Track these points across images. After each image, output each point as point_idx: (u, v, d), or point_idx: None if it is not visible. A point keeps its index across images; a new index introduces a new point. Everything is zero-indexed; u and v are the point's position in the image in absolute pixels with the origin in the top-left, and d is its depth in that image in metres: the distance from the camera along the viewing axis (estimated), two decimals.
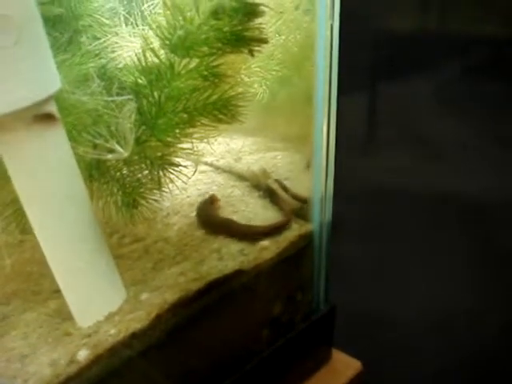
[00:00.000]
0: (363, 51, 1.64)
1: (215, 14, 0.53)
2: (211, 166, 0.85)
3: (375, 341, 1.31)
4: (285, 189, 0.78)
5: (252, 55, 0.59)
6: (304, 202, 0.74)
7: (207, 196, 0.74)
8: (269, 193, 0.77)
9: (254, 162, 0.85)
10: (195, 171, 0.65)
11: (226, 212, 0.71)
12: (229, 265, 0.62)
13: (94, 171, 0.55)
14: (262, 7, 0.56)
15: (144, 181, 0.58)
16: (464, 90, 1.69)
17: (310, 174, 0.69)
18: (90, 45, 0.59)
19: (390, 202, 1.65)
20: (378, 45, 1.68)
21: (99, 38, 0.61)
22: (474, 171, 1.60)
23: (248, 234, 0.68)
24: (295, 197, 0.76)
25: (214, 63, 0.56)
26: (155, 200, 0.60)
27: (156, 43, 0.56)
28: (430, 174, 1.65)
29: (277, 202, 0.75)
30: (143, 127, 0.55)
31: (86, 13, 0.62)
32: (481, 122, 1.63)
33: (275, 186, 0.78)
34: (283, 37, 0.75)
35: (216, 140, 0.85)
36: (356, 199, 1.55)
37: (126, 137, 0.52)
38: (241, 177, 0.81)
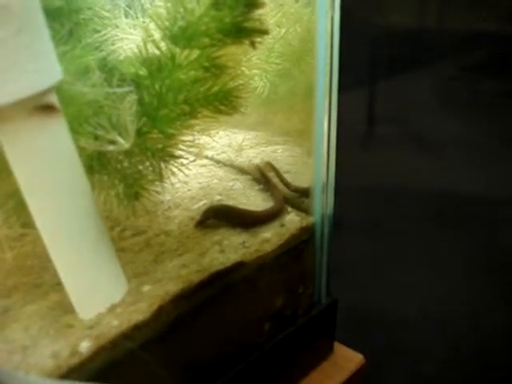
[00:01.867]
0: (362, 48, 1.64)
1: (216, 4, 0.53)
2: (212, 160, 0.85)
3: (375, 339, 1.32)
4: (286, 183, 0.78)
5: (254, 47, 0.59)
6: (305, 195, 0.74)
7: None
8: (264, 183, 0.77)
9: (254, 155, 0.85)
10: (194, 160, 0.65)
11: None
12: (230, 257, 0.62)
13: (95, 163, 0.55)
14: None
15: (145, 173, 0.58)
16: (463, 87, 1.69)
17: (312, 168, 0.69)
18: (91, 37, 0.59)
19: (389, 200, 1.65)
20: (377, 42, 1.68)
21: (99, 31, 0.61)
22: (474, 169, 1.60)
23: (243, 219, 0.68)
24: (297, 190, 0.76)
25: (215, 54, 0.56)
26: (156, 192, 0.60)
27: (157, 35, 0.56)
28: (430, 172, 1.65)
29: (272, 192, 0.75)
30: (144, 118, 0.55)
31: (86, 6, 0.62)
32: (480, 119, 1.63)
33: (275, 180, 0.78)
34: (283, 29, 0.75)
35: (217, 133, 0.85)
36: (355, 196, 1.55)
37: (127, 128, 0.52)
38: (242, 170, 0.81)
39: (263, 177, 0.78)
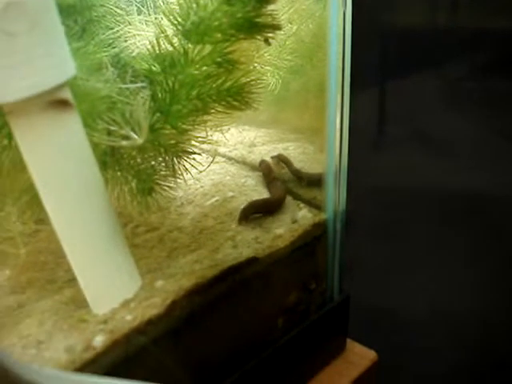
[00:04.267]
0: (372, 48, 1.64)
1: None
2: (224, 157, 0.85)
3: (384, 339, 1.31)
4: (299, 176, 0.78)
5: (268, 43, 0.59)
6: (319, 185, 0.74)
7: None
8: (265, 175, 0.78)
9: (266, 152, 0.85)
10: (212, 161, 0.65)
11: (240, 201, 0.72)
12: (243, 252, 0.62)
13: (109, 158, 0.55)
14: None
15: (158, 168, 0.58)
16: (474, 86, 1.68)
17: (324, 164, 0.69)
18: (104, 34, 0.60)
19: (400, 199, 1.65)
20: (388, 40, 1.67)
21: (112, 28, 0.61)
22: (485, 168, 1.59)
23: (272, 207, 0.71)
24: (311, 180, 0.76)
25: (228, 50, 0.56)
26: (169, 187, 0.60)
27: (169, 31, 0.56)
28: (440, 171, 1.64)
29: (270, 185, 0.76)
30: (157, 114, 0.55)
31: (98, 3, 0.62)
32: (491, 119, 1.62)
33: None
34: (295, 26, 0.75)
35: (229, 130, 0.85)
36: (364, 195, 1.54)
37: (141, 124, 0.52)
38: (253, 167, 0.81)
39: (266, 169, 0.79)
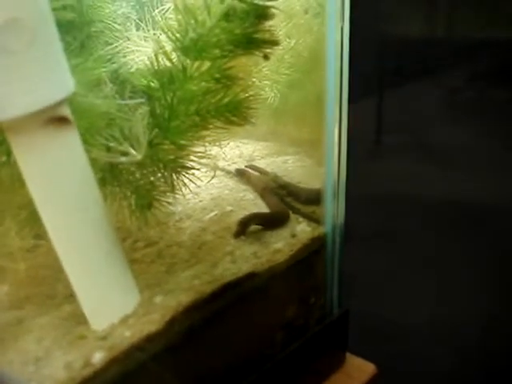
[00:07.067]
0: (370, 58, 1.64)
1: (226, 16, 0.53)
2: (223, 171, 0.85)
3: (385, 349, 1.31)
4: (295, 194, 0.78)
5: (267, 59, 0.59)
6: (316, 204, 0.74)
7: None
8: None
9: (265, 166, 0.85)
10: (213, 176, 0.65)
11: (239, 215, 0.71)
12: (242, 267, 0.61)
13: (108, 174, 0.55)
14: (273, 10, 0.57)
15: (157, 184, 0.58)
16: (472, 96, 1.68)
17: (323, 178, 0.69)
18: (103, 50, 0.60)
19: (398, 209, 1.65)
20: (385, 52, 1.68)
21: (111, 43, 0.61)
22: (483, 177, 1.60)
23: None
24: (308, 200, 0.76)
25: (226, 65, 0.56)
26: (168, 203, 0.60)
27: (168, 47, 0.56)
28: (438, 180, 1.64)
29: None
30: (156, 130, 0.55)
31: (97, 19, 0.62)
32: (489, 128, 1.63)
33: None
34: (293, 40, 0.76)
35: (228, 144, 0.86)
36: (362, 205, 1.54)
37: (139, 140, 0.52)
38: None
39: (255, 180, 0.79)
